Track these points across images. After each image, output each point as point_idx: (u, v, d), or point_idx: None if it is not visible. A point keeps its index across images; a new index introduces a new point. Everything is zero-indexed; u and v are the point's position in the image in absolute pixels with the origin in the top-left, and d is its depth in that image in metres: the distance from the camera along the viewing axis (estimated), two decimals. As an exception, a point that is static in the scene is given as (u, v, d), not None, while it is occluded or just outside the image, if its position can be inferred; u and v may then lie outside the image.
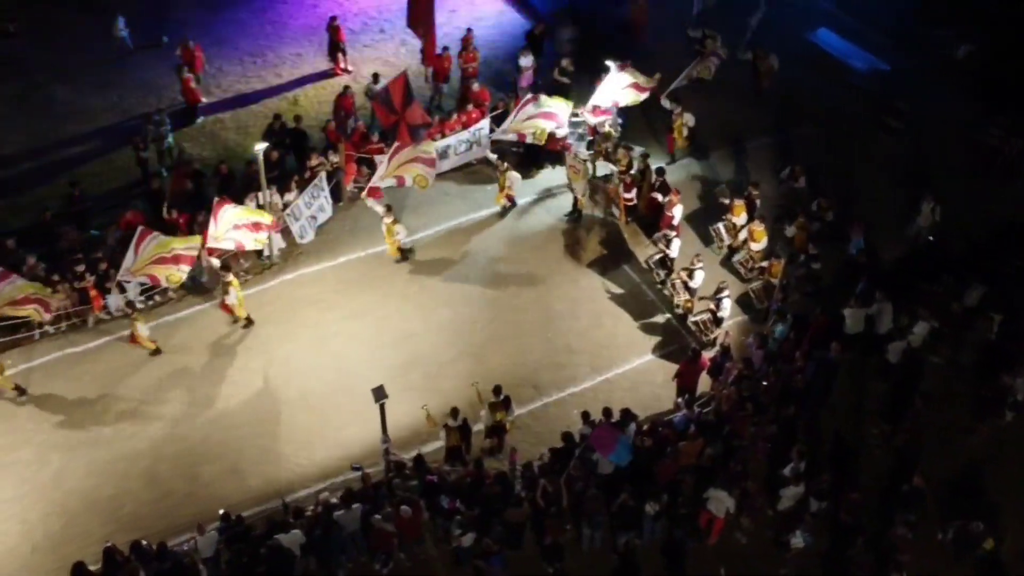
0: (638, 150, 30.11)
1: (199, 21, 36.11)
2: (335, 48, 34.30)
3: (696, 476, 21.71)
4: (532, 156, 31.13)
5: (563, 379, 25.65)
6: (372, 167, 29.19)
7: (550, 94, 30.83)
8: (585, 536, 21.86)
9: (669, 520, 21.46)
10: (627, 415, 23.00)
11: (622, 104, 30.25)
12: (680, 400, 24.34)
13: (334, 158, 29.12)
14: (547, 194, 30.71)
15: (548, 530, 21.12)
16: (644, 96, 30.24)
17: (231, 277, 25.89)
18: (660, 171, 29.10)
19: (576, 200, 29.68)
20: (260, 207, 27.15)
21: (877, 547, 21.40)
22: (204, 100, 32.83)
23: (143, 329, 25.22)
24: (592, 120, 30.36)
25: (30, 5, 35.92)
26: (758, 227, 27.58)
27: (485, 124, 30.01)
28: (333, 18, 34.28)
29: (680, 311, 26.89)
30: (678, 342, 26.47)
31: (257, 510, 22.24)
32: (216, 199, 25.68)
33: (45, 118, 32.19)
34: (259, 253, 27.91)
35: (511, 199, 29.79)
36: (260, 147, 26.29)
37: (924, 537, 21.89)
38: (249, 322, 26.36)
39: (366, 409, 22.16)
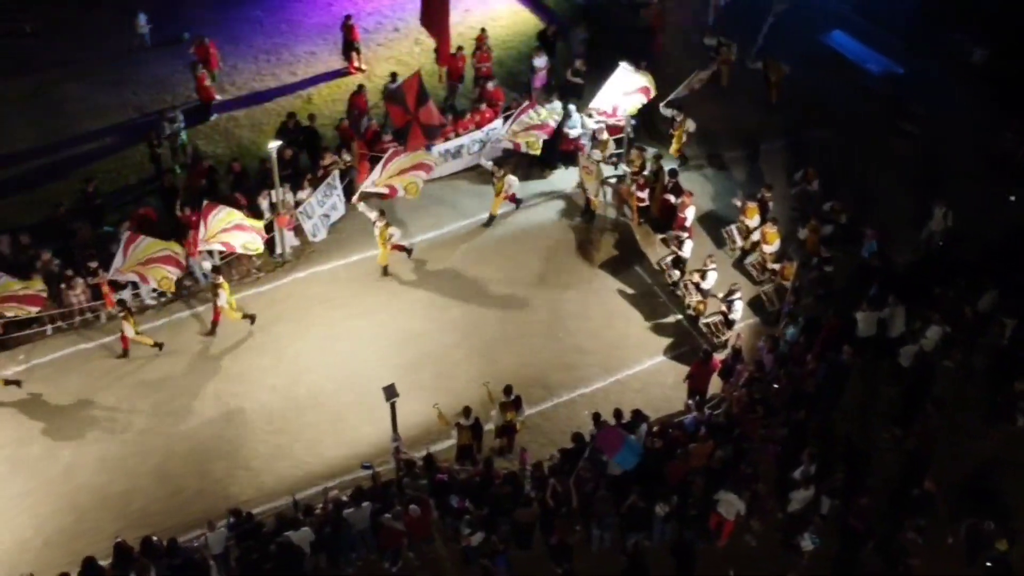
0: (651, 151, 30.10)
1: (214, 19, 36.23)
2: (349, 47, 34.35)
3: (706, 478, 21.68)
4: (545, 157, 31.12)
5: (574, 380, 25.64)
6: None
7: (563, 95, 30.90)
8: (594, 537, 21.84)
9: (679, 521, 21.44)
10: (638, 416, 22.98)
11: (622, 111, 30.17)
12: (691, 402, 24.32)
13: (347, 157, 29.16)
14: (559, 194, 30.69)
15: (556, 530, 21.10)
16: (646, 100, 30.21)
17: (220, 279, 25.72)
18: (673, 172, 29.08)
19: (588, 201, 29.67)
20: (273, 205, 27.23)
21: (887, 551, 21.35)
22: (218, 98, 32.92)
23: (129, 330, 25.09)
24: (592, 125, 30.43)
25: (45, 2, 36.02)
26: (771, 229, 27.54)
27: (498, 124, 30.04)
28: (347, 17, 34.33)
29: (692, 312, 26.86)
30: (689, 344, 26.43)
31: (267, 507, 22.25)
32: (205, 202, 25.53)
33: (59, 115, 32.30)
34: (271, 251, 27.99)
35: (513, 199, 29.67)
36: (274, 145, 26.34)
37: (934, 542, 21.82)
38: (249, 319, 26.24)
39: (376, 407, 22.24)
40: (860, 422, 24.46)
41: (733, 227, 28.81)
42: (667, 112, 30.83)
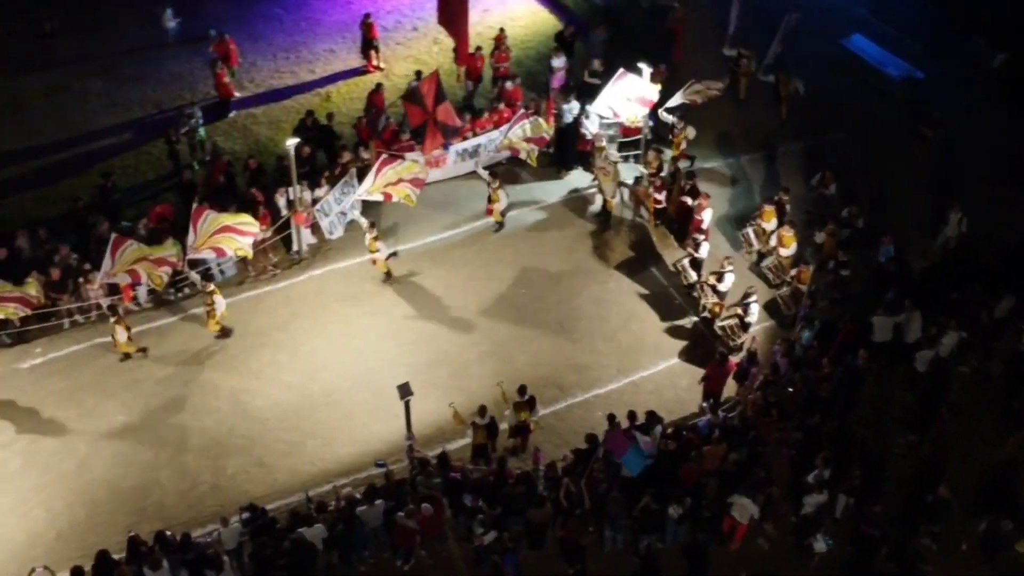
0: (668, 153, 30.02)
1: (234, 16, 36.33)
2: (368, 45, 34.40)
3: (720, 481, 21.64)
4: (561, 157, 31.12)
5: (588, 380, 25.63)
6: (402, 164, 29.33)
7: (581, 95, 30.86)
8: (607, 538, 21.83)
9: (692, 523, 21.41)
10: (652, 417, 22.95)
11: (616, 117, 30.16)
12: (705, 404, 24.29)
13: (365, 155, 29.19)
14: (576, 195, 30.68)
15: (567, 530, 21.09)
16: (647, 111, 30.18)
17: (212, 286, 25.66)
18: (690, 174, 29.06)
19: (605, 201, 29.65)
20: (290, 202, 27.29)
21: (901, 557, 21.28)
22: (237, 94, 33.00)
23: (121, 335, 25.07)
24: (592, 128, 30.43)
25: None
26: (787, 233, 27.46)
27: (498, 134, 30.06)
28: (367, 15, 34.38)
29: (707, 314, 26.81)
30: (704, 346, 26.38)
31: (281, 504, 22.31)
32: (195, 206, 25.39)
33: (79, 110, 32.47)
34: (288, 248, 28.06)
35: (498, 216, 29.33)
36: (291, 142, 26.40)
37: (948, 548, 21.75)
38: (224, 333, 26.07)
39: (390, 406, 22.29)
40: (875, 427, 24.39)
41: (750, 230, 28.75)
42: (667, 118, 30.68)
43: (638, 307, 27.56)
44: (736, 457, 22.04)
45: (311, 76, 34.55)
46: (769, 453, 22.64)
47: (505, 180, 29.81)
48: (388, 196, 26.77)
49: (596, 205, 30.02)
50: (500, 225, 29.36)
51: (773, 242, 28.01)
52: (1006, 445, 24.04)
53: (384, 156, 27.03)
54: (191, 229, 24.98)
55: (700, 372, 24.96)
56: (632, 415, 22.85)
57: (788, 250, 27.52)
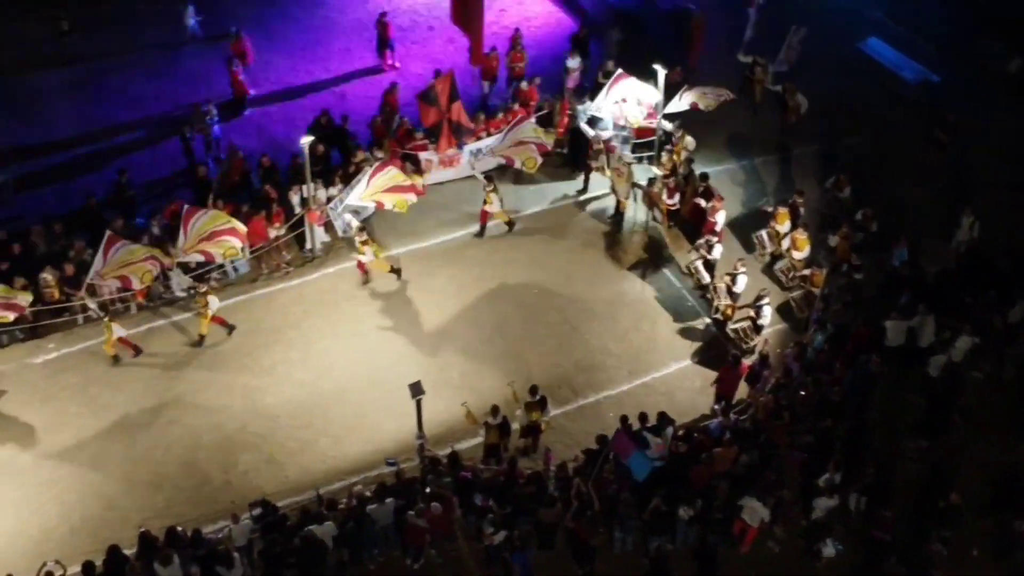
0: (682, 155, 29.99)
1: (250, 14, 36.37)
2: (383, 44, 34.45)
3: (731, 483, 21.62)
4: (574, 158, 31.11)
5: (600, 381, 25.63)
6: (416, 164, 29.34)
7: (594, 96, 30.81)
8: (617, 539, 21.83)
9: (703, 525, 21.39)
10: (664, 418, 22.95)
11: (614, 119, 30.18)
12: (717, 407, 24.27)
13: (379, 154, 29.23)
14: (589, 196, 30.69)
15: (577, 523, 21.08)
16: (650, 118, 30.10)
17: (206, 287, 25.64)
18: (704, 176, 29.02)
19: (619, 203, 29.63)
20: (304, 200, 27.35)
21: (911, 562, 21.24)
22: (252, 92, 33.07)
23: (118, 331, 25.14)
24: (590, 132, 30.41)
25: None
26: (801, 235, 27.41)
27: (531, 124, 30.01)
28: (383, 14, 34.43)
29: (720, 317, 26.78)
30: (717, 348, 26.36)
31: (291, 501, 22.37)
32: (186, 207, 25.34)
33: (95, 106, 32.61)
34: (301, 246, 28.14)
35: (483, 224, 29.14)
36: (306, 140, 26.44)
37: (959, 553, 21.70)
38: (201, 340, 25.96)
39: (401, 404, 22.30)
40: (886, 432, 24.32)
41: (763, 232, 28.69)
42: (666, 125, 30.56)
43: (650, 308, 27.54)
44: (747, 460, 22.02)
45: (326, 74, 34.64)
46: (780, 456, 22.61)
47: (519, 180, 29.81)
48: (380, 204, 26.67)
49: (609, 206, 30.00)
50: (511, 225, 29.34)
51: (786, 244, 27.96)
52: (1018, 450, 23.97)
53: (376, 164, 26.94)
54: (181, 231, 24.92)
55: (712, 374, 24.96)
56: (643, 416, 22.85)
57: (801, 253, 27.48)
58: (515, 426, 23.35)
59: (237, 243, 25.39)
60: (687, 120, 30.23)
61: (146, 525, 20.89)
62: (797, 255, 27.55)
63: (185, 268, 26.53)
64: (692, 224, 28.93)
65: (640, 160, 31.05)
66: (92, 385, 24.85)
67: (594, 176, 30.54)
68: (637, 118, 30.27)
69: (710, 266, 27.50)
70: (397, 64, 34.76)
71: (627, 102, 29.99)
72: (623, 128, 30.81)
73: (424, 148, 29.22)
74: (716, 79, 31.14)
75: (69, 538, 21.80)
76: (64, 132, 31.50)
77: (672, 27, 36.19)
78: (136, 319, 26.39)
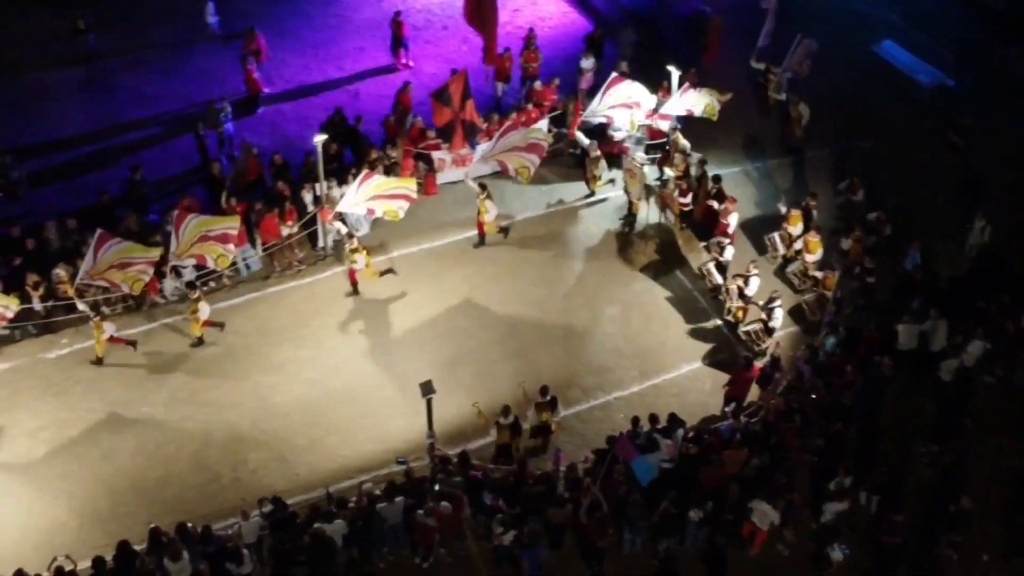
0: (696, 156, 29.95)
1: (264, 12, 36.47)
2: (397, 43, 34.48)
3: (741, 485, 21.58)
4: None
5: (610, 382, 25.61)
6: (429, 163, 29.38)
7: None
8: (626, 540, 21.80)
9: (712, 527, 21.36)
10: (674, 420, 22.93)
11: (610, 122, 29.92)
12: (728, 409, 24.23)
13: (392, 153, 29.26)
14: (601, 197, 30.68)
15: (588, 530, 21.07)
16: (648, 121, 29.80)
17: (197, 293, 25.50)
18: (717, 178, 28.98)
19: (631, 204, 29.60)
20: (317, 198, 27.38)
21: (921, 567, 21.17)
22: (266, 90, 33.13)
23: (109, 329, 25.08)
24: (585, 141, 30.30)
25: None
26: (814, 238, 27.35)
27: (543, 124, 29.99)
28: (397, 13, 34.50)
29: (732, 318, 26.74)
30: (728, 350, 26.33)
31: (301, 499, 22.38)
32: (177, 210, 25.17)
33: (109, 103, 32.73)
34: (314, 244, 28.17)
35: (481, 234, 28.92)
36: (319, 139, 26.47)
37: (969, 558, 21.64)
38: (200, 341, 25.90)
39: (412, 403, 22.32)
40: (897, 436, 24.24)
41: (776, 234, 28.62)
42: (663, 126, 30.29)
43: (662, 310, 27.52)
44: (757, 462, 21.98)
45: (340, 73, 34.70)
46: (791, 459, 22.56)
47: (532, 181, 29.78)
48: (371, 211, 26.51)
49: (622, 207, 29.97)
50: (505, 232, 29.04)
51: (799, 247, 27.90)
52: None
53: (366, 171, 26.71)
54: (174, 235, 24.63)
55: (723, 376, 24.92)
56: (654, 418, 22.82)
57: (814, 255, 27.41)
58: (525, 426, 23.34)
59: (230, 251, 24.96)
60: (698, 121, 30.10)
61: (156, 521, 20.90)
62: (810, 258, 27.48)
63: (177, 273, 26.55)
64: (704, 226, 28.89)
65: (653, 161, 30.98)
66: (104, 380, 24.92)
67: (603, 178, 30.55)
68: (635, 121, 30.08)
69: (722, 268, 27.46)
70: (411, 63, 34.80)
71: (627, 105, 29.60)
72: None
73: (437, 147, 29.23)
74: (728, 83, 31.02)
75: (79, 533, 21.86)
76: (78, 129, 31.63)
77: (687, 30, 36.11)
78: (144, 317, 26.49)
